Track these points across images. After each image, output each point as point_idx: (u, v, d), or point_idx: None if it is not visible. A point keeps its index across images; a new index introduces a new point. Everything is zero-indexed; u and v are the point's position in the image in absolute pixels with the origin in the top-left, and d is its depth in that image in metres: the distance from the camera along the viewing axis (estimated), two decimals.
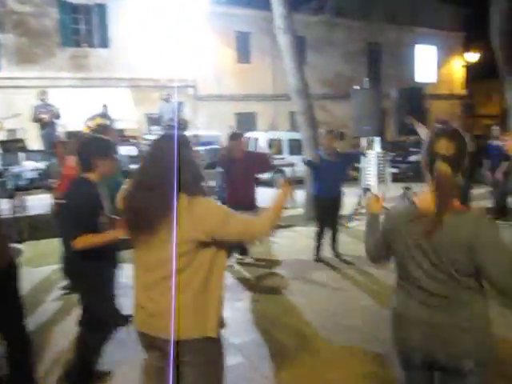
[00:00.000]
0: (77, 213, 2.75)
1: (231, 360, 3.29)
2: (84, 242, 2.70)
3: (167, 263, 1.79)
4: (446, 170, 1.70)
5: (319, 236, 6.00)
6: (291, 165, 10.54)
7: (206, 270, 1.85)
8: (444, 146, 1.72)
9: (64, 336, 3.73)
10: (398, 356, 1.87)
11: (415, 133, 6.62)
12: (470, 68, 25.49)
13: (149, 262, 1.89)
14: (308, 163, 6.14)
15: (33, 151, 10.04)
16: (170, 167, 1.80)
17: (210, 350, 1.89)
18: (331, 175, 5.78)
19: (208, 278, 1.86)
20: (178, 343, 1.80)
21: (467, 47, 24.96)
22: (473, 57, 24.47)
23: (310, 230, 7.63)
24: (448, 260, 1.68)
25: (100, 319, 2.93)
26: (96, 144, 2.99)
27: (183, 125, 10.33)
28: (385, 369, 3.23)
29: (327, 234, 6.04)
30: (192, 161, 1.93)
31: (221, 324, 1.91)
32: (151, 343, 1.92)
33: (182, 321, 1.79)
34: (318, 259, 5.97)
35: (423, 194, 1.81)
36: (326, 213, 5.97)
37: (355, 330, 3.90)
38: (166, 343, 1.79)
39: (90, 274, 2.88)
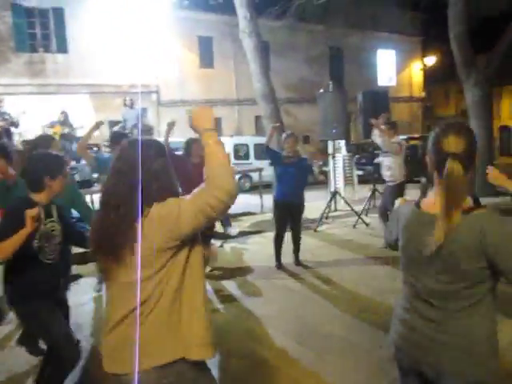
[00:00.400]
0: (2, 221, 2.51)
1: None
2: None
3: (135, 291, 1.60)
4: (458, 170, 1.54)
5: (276, 242, 5.72)
6: (258, 170, 10.46)
7: (178, 279, 1.64)
8: (453, 143, 1.57)
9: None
10: (395, 359, 1.81)
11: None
12: (428, 71, 26.27)
13: (117, 292, 1.69)
14: (268, 152, 5.78)
15: None
16: (137, 180, 1.60)
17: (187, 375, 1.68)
18: (292, 179, 5.54)
19: (181, 288, 1.65)
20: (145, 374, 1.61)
21: (425, 51, 25.73)
22: (431, 60, 25.24)
23: None
24: (455, 267, 1.54)
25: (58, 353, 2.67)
26: (47, 161, 2.66)
27: (148, 131, 10.09)
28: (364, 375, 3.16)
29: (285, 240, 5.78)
30: (163, 169, 1.70)
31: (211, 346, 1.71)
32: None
33: (151, 346, 1.62)
34: (279, 266, 5.72)
35: (429, 196, 1.68)
36: (284, 218, 5.70)
37: (331, 338, 3.81)
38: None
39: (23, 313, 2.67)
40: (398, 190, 6.25)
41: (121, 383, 1.65)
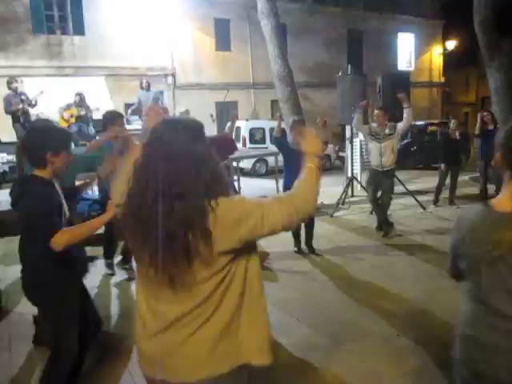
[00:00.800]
0: (39, 214, 2.29)
1: None
2: (68, 236, 2.26)
3: (195, 291, 1.45)
4: None
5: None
6: (274, 154, 10.35)
7: (241, 283, 1.51)
8: None
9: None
10: None
11: (399, 120, 6.53)
12: (448, 56, 25.66)
13: (168, 292, 1.48)
14: (275, 140, 5.84)
15: (5, 143, 9.62)
16: (186, 166, 1.41)
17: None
18: (299, 166, 5.46)
19: (243, 293, 1.52)
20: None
21: (446, 35, 25.11)
22: (452, 44, 24.62)
23: None
24: None
25: (66, 345, 2.49)
26: (50, 135, 2.45)
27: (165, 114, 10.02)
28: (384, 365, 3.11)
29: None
30: (209, 155, 1.50)
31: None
32: None
33: (206, 355, 1.48)
34: (298, 251, 5.72)
35: (502, 194, 1.52)
36: None
37: (349, 325, 3.75)
38: None
39: (54, 288, 2.46)
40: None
41: None
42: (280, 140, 5.81)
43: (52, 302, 2.48)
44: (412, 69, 22.98)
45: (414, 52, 24.10)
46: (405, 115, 6.32)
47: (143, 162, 1.47)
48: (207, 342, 1.47)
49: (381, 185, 6.42)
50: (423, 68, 24.64)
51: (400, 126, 6.36)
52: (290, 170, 5.55)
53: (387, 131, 6.31)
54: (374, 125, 6.50)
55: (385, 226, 6.42)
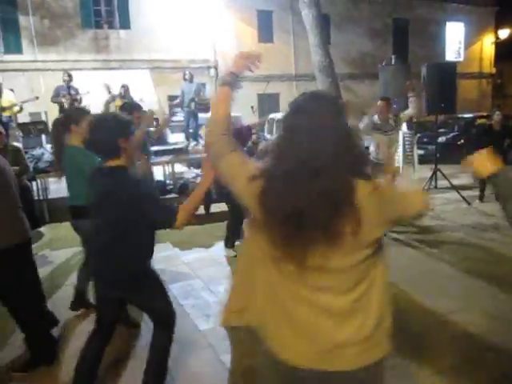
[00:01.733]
0: (149, 200, 2.27)
1: None
2: (186, 212, 2.24)
3: (355, 278, 1.38)
4: None
5: None
6: None
7: (385, 272, 1.46)
8: None
9: (84, 321, 3.65)
10: None
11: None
12: (500, 46, 24.51)
13: (327, 280, 1.38)
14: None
15: None
16: (337, 142, 1.31)
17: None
18: None
19: (384, 282, 1.47)
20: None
21: (499, 23, 23.95)
22: (505, 33, 23.49)
23: None
24: None
25: (169, 317, 2.61)
26: (114, 122, 2.38)
27: (206, 105, 10.11)
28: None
29: None
30: (355, 132, 1.41)
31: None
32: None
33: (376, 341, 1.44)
34: None
35: None
36: None
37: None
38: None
39: (150, 272, 2.53)
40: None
41: (331, 381, 1.44)
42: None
43: (154, 287, 2.54)
44: (461, 59, 22.14)
45: (463, 42, 23.18)
46: (410, 104, 6.15)
47: (286, 136, 1.38)
48: (369, 329, 1.42)
49: None
50: (473, 58, 23.67)
51: (403, 113, 6.21)
52: None
53: (391, 123, 6.10)
54: (375, 118, 6.15)
55: None
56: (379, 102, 6.16)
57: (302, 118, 1.34)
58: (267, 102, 17.88)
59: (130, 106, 4.80)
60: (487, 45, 24.33)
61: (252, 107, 17.65)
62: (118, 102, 10.03)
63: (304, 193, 1.28)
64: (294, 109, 1.39)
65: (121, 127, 2.35)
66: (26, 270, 3.03)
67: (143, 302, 2.57)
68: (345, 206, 1.27)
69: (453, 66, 8.67)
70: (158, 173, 7.76)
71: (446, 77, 7.67)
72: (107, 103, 10.14)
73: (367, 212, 1.28)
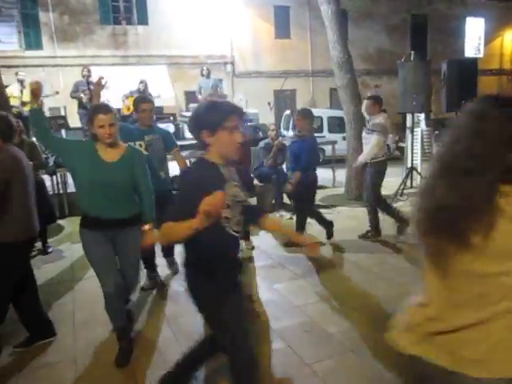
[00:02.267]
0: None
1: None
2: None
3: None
4: None
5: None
6: (331, 143, 10.22)
7: None
8: None
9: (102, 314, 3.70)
10: None
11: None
12: None
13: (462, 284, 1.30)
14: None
15: (74, 128, 10.14)
16: (495, 146, 1.22)
17: None
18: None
19: None
20: None
21: None
22: None
23: (352, 210, 7.42)
24: None
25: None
26: (205, 112, 2.07)
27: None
28: None
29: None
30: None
31: None
32: None
33: None
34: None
35: None
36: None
37: None
38: None
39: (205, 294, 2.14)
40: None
41: None
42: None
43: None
44: (481, 56, 21.77)
45: (483, 38, 22.80)
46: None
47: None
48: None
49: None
50: (493, 54, 23.26)
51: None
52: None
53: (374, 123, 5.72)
54: (367, 117, 6.00)
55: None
56: (365, 101, 5.93)
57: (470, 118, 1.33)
58: (284, 99, 17.84)
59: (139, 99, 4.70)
60: (507, 41, 23.89)
61: (269, 103, 17.66)
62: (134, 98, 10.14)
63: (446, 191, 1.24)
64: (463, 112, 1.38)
65: (206, 118, 2.05)
66: (24, 266, 3.16)
67: None
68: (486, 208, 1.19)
69: (474, 62, 8.52)
70: (175, 168, 7.80)
71: (466, 73, 7.54)
72: (125, 98, 10.25)
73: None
